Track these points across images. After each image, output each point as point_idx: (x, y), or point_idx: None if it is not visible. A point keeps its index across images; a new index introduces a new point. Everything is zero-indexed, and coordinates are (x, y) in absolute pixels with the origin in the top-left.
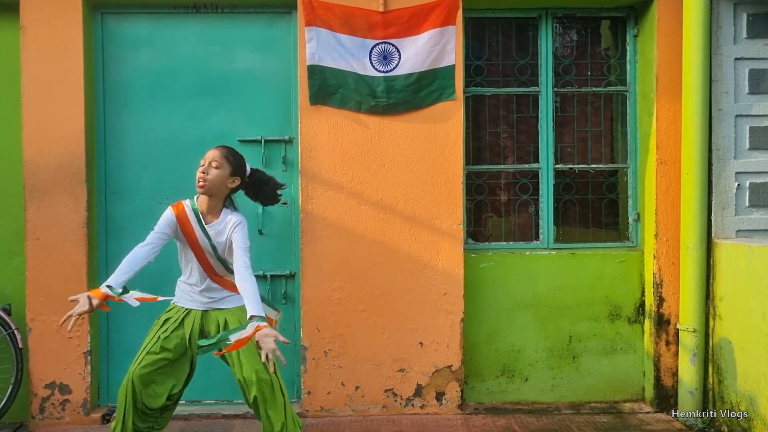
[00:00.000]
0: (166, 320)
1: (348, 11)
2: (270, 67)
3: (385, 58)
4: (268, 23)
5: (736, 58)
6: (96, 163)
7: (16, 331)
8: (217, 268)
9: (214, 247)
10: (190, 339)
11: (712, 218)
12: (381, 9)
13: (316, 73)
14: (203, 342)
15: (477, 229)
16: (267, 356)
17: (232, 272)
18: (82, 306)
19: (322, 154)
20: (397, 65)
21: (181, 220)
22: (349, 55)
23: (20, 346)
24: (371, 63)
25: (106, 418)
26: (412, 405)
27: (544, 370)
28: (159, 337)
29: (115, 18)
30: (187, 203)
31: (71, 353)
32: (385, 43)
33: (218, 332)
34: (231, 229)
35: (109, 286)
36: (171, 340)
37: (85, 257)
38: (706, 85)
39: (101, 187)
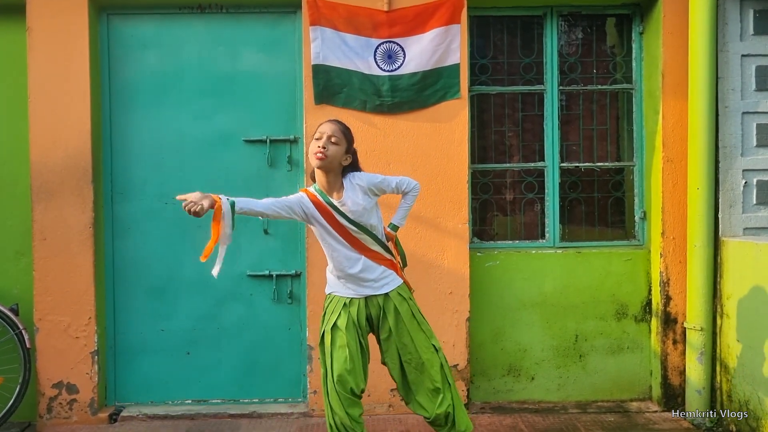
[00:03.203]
0: (330, 313)
1: (352, 10)
2: (275, 66)
3: (390, 57)
4: (273, 23)
5: (742, 55)
6: (102, 163)
7: (23, 331)
8: (366, 242)
9: (352, 221)
10: (357, 321)
11: (719, 216)
12: (385, 8)
13: (320, 72)
14: None
15: (482, 228)
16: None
17: (381, 244)
18: (199, 199)
19: None
20: (401, 64)
21: (317, 204)
22: (354, 54)
23: (28, 346)
24: (376, 62)
25: (113, 418)
26: None
27: (551, 369)
28: (336, 330)
29: (121, 19)
30: (310, 188)
31: (78, 353)
32: (390, 42)
33: (379, 316)
34: (363, 186)
35: (229, 200)
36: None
37: (92, 257)
38: (713, 82)
39: (107, 187)
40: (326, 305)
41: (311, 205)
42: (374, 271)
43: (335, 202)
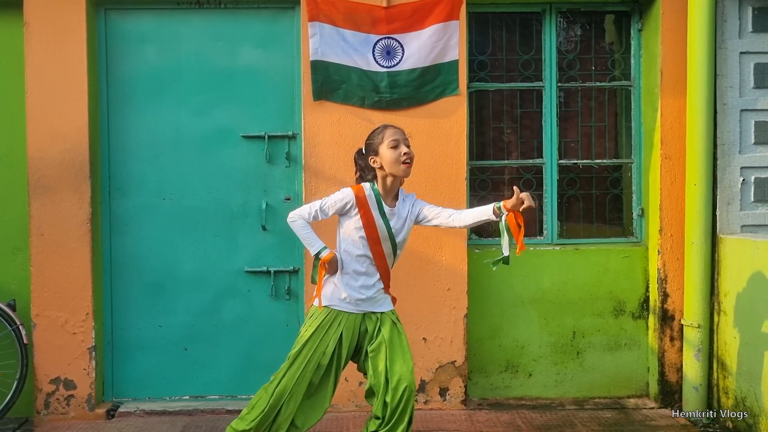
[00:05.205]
0: (324, 333)
1: (351, 6)
2: (273, 62)
3: (389, 53)
4: (271, 19)
5: (741, 52)
6: (100, 159)
7: (20, 327)
8: (389, 260)
9: (392, 235)
10: (339, 351)
11: (717, 213)
12: (384, 4)
13: (319, 68)
14: (494, 260)
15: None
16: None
17: (390, 270)
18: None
19: (326, 150)
20: (400, 60)
21: (361, 202)
22: (353, 50)
23: (25, 341)
24: (374, 58)
25: (110, 414)
26: (416, 401)
27: (548, 366)
28: (318, 359)
29: (119, 14)
30: (366, 185)
31: (76, 348)
32: (389, 38)
33: (374, 330)
34: (412, 206)
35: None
36: (327, 355)
37: (89, 253)
38: (711, 79)
39: (105, 183)
40: (320, 321)
41: (355, 201)
42: (381, 292)
43: (387, 209)
